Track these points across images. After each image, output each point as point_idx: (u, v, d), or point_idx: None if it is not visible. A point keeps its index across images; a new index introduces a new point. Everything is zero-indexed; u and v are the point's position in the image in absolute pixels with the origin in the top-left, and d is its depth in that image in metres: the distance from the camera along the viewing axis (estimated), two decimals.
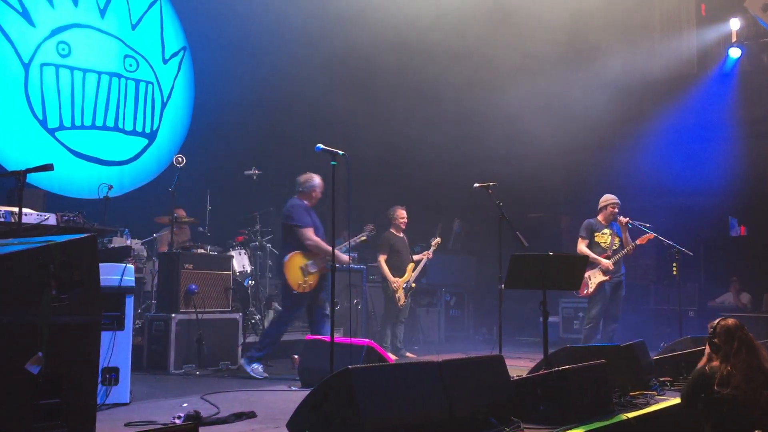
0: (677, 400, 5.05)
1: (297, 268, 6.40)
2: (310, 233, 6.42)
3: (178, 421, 3.98)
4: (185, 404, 4.62)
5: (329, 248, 5.97)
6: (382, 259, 8.36)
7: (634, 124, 10.95)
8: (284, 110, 10.30)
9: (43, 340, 2.75)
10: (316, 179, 6.69)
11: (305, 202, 6.62)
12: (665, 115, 10.97)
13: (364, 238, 7.31)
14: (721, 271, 11.27)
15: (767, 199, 11.69)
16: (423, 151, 10.53)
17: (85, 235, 2.95)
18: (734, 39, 10.88)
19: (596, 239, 7.92)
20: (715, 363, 3.99)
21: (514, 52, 10.28)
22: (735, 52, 10.88)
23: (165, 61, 10.24)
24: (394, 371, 3.66)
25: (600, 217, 8.03)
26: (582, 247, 7.86)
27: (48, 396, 2.76)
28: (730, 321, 4.08)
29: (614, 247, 7.93)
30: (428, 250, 8.65)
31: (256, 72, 10.13)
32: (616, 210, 7.98)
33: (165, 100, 10.18)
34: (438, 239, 8.77)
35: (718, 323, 4.08)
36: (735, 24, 10.78)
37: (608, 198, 8.08)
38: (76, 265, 2.87)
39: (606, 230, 7.97)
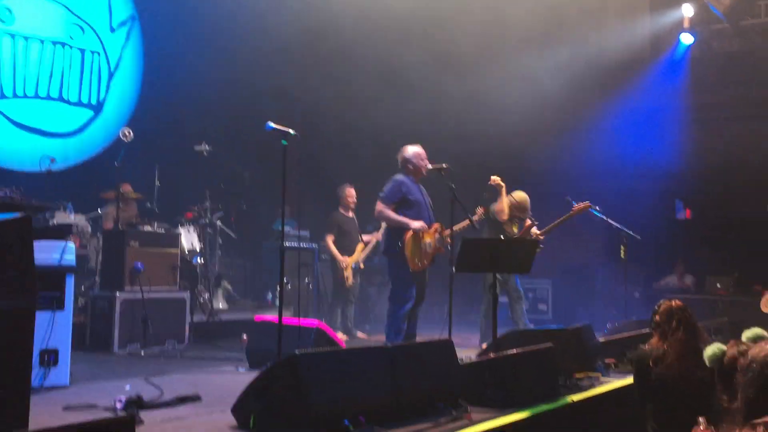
0: (621, 382, 5.16)
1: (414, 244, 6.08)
2: (379, 205, 6.17)
3: (119, 405, 3.89)
4: (128, 386, 4.50)
5: (402, 219, 5.97)
6: (329, 239, 8.29)
7: (586, 107, 11.05)
8: (237, 85, 10.05)
9: None
10: (408, 150, 6.35)
11: (407, 177, 6.28)
12: (616, 98, 11.09)
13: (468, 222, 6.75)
14: (666, 254, 11.53)
15: (712, 184, 11.98)
16: (379, 130, 10.44)
17: (18, 215, 2.80)
18: (686, 25, 11.04)
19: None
20: (654, 341, 4.07)
21: (473, 34, 10.25)
22: (687, 38, 11.04)
23: (112, 30, 9.89)
24: (342, 356, 3.63)
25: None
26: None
27: None
28: (674, 302, 4.15)
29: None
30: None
31: (208, 44, 9.85)
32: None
33: (112, 71, 9.84)
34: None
35: (662, 303, 4.16)
36: (687, 10, 10.92)
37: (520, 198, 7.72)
38: (7, 246, 2.74)
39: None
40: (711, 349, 3.64)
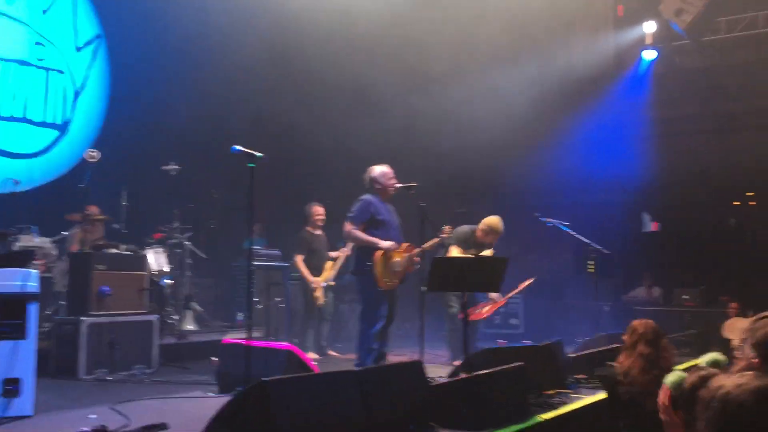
0: (592, 398, 5.19)
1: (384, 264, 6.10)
2: (347, 226, 6.20)
3: None
4: (93, 416, 4.41)
5: (371, 239, 5.97)
6: (299, 259, 8.24)
7: (555, 123, 11.19)
8: (206, 104, 9.99)
9: None
10: (375, 170, 6.39)
11: (374, 196, 6.30)
12: (584, 114, 11.25)
13: (438, 240, 6.74)
14: (635, 267, 11.68)
15: (678, 196, 12.19)
16: (350, 148, 10.44)
17: None
18: (649, 41, 11.26)
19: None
20: (621, 358, 4.11)
21: (443, 53, 10.34)
22: (649, 54, 11.26)
23: (78, 49, 9.79)
24: (311, 381, 3.59)
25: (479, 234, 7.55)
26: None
27: None
28: (643, 320, 4.20)
29: None
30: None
31: (176, 63, 9.79)
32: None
33: (78, 90, 9.73)
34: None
35: (632, 322, 4.21)
36: (650, 27, 11.15)
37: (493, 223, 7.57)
38: None
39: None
40: (673, 377, 3.67)
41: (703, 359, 3.31)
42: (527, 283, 7.42)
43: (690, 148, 11.66)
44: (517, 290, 7.55)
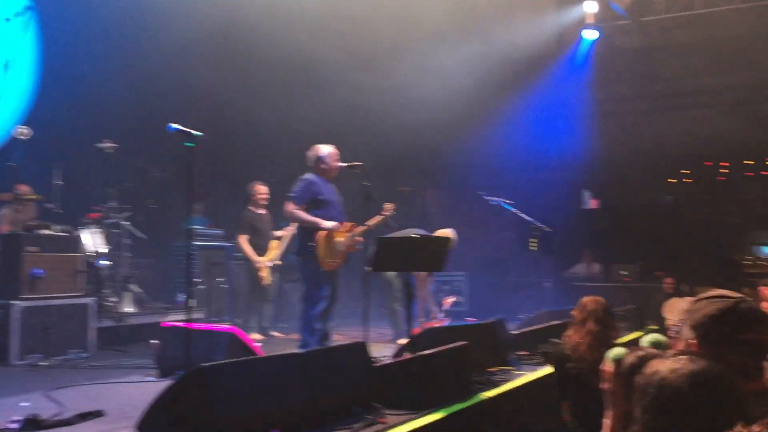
0: (535, 374, 5.27)
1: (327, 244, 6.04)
2: (289, 206, 6.09)
3: (14, 426, 3.66)
4: (25, 403, 4.25)
5: (313, 220, 5.92)
6: (242, 239, 8.10)
7: (498, 102, 11.24)
8: (143, 81, 9.64)
9: None
10: (322, 149, 6.30)
11: (317, 176, 6.23)
12: (526, 93, 11.34)
13: (380, 218, 6.62)
14: (575, 243, 11.91)
15: (617, 174, 12.46)
16: (293, 127, 10.29)
17: None
18: (590, 21, 11.38)
19: None
20: (569, 333, 4.15)
21: (385, 30, 10.22)
22: (590, 34, 11.38)
23: (7, 20, 9.32)
24: (252, 365, 3.52)
25: None
26: None
27: None
28: (593, 297, 4.25)
29: None
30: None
31: (112, 38, 9.40)
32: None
33: (6, 63, 9.28)
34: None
35: (582, 299, 4.25)
36: (591, 6, 11.26)
37: None
38: None
39: None
40: (614, 352, 3.73)
41: (645, 339, 3.37)
42: (451, 301, 7.39)
43: (629, 127, 11.91)
44: (444, 307, 7.51)
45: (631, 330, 7.16)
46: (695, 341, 2.02)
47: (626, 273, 10.70)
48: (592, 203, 13.28)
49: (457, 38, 10.81)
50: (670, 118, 11.69)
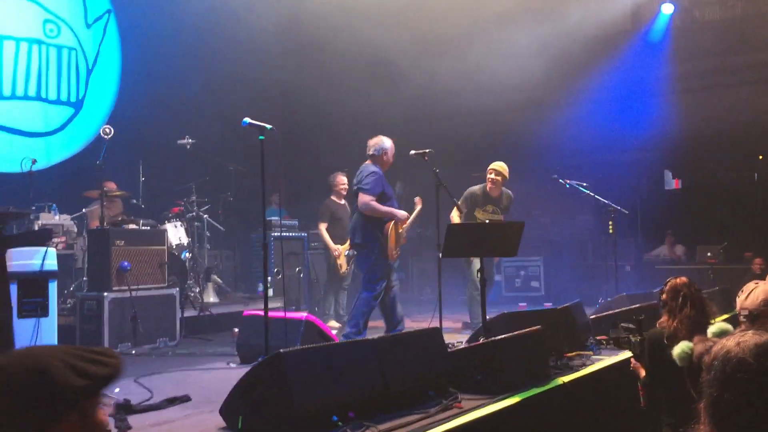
0: (613, 359, 5.17)
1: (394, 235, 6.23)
2: (365, 197, 6.22)
3: (107, 410, 3.86)
4: (117, 389, 4.47)
5: (389, 210, 6.13)
6: (322, 227, 8.24)
7: (572, 82, 10.99)
8: (219, 76, 9.94)
9: None
10: (387, 142, 6.45)
11: (377, 166, 6.38)
12: (601, 72, 11.03)
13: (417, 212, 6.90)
14: (657, 225, 11.56)
15: (700, 153, 11.98)
16: (367, 116, 10.36)
17: None
18: None
19: (475, 213, 7.32)
20: (664, 319, 4.04)
21: (454, 14, 10.16)
22: (667, 8, 10.97)
23: (88, 26, 9.74)
24: (328, 351, 3.59)
25: (487, 188, 7.38)
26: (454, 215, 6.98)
27: None
28: (680, 278, 4.13)
29: None
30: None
31: (187, 36, 9.71)
32: (495, 177, 7.36)
33: (90, 67, 9.71)
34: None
35: (668, 281, 4.14)
36: None
37: (492, 166, 7.40)
38: None
39: (489, 206, 7.36)
40: (680, 348, 3.62)
41: (711, 330, 3.26)
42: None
43: (710, 102, 11.41)
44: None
45: (717, 314, 6.91)
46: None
47: (711, 254, 10.31)
48: (674, 183, 12.83)
49: (528, 18, 10.62)
50: (754, 91, 11.14)
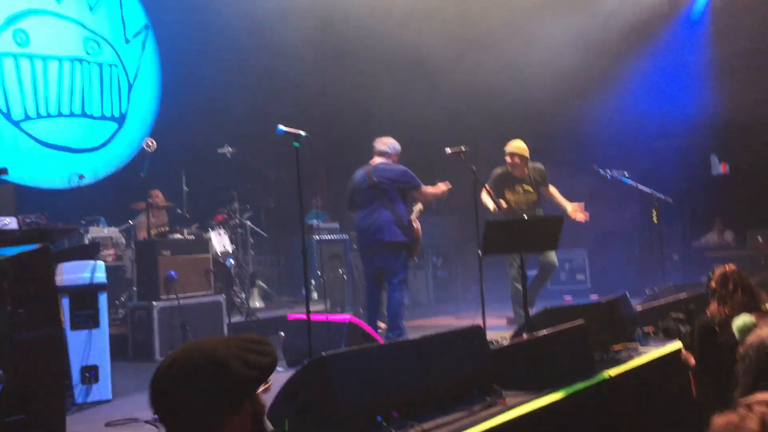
0: (661, 351, 5.09)
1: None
2: (428, 188, 6.45)
3: (156, 417, 3.96)
4: None
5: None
6: None
7: (610, 71, 10.82)
8: (255, 84, 10.09)
9: (2, 357, 2.69)
10: (396, 142, 6.61)
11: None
12: (641, 57, 10.84)
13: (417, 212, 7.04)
14: (705, 211, 11.30)
15: (746, 135, 11.66)
16: (404, 117, 10.38)
17: (38, 245, 2.86)
18: None
19: (504, 194, 7.09)
20: (713, 308, 3.98)
21: (491, 10, 10.13)
22: None
23: (128, 42, 10.00)
24: (370, 353, 3.63)
25: (509, 169, 7.17)
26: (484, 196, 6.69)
27: (13, 413, 2.71)
28: (727, 266, 4.07)
29: (523, 207, 7.09)
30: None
31: (222, 46, 9.89)
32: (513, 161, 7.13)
33: (131, 82, 9.96)
34: (420, 206, 8.39)
35: (715, 268, 4.08)
36: None
37: (508, 147, 7.17)
38: (30, 278, 2.80)
39: (517, 186, 7.16)
40: (741, 320, 3.54)
41: (734, 324, 3.19)
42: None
43: (754, 83, 11.10)
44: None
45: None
46: None
47: (762, 239, 10.03)
48: (721, 168, 12.52)
49: (564, 8, 10.49)
50: None
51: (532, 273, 7.09)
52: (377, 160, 6.45)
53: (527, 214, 6.91)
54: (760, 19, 10.73)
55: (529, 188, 7.17)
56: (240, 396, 1.58)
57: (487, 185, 6.73)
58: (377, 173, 6.32)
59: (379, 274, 6.39)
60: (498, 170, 7.21)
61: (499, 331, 6.64)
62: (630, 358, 4.83)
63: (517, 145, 7.14)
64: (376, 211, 6.28)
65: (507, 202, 6.98)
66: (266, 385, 3.61)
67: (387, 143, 6.50)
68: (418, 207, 6.87)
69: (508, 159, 7.09)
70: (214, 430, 1.57)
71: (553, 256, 7.06)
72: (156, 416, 1.65)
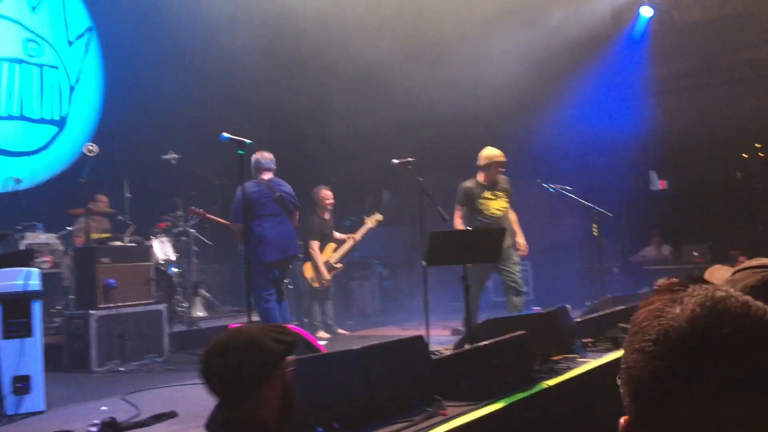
0: (599, 361, 5.20)
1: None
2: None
3: (93, 429, 3.86)
4: (104, 407, 4.47)
5: None
6: (315, 245, 8.19)
7: (553, 87, 11.06)
8: (201, 92, 9.95)
9: None
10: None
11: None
12: (582, 76, 11.11)
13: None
14: (643, 226, 11.61)
15: (683, 152, 12.07)
16: (343, 126, 10.38)
17: None
18: None
19: (478, 205, 7.14)
20: None
21: (440, 24, 10.23)
22: (646, 11, 11.08)
23: (70, 44, 9.76)
24: (313, 363, 3.61)
25: (480, 178, 7.24)
26: (457, 219, 6.93)
27: None
28: (670, 280, 4.15)
29: (498, 213, 7.18)
30: (363, 227, 8.43)
31: (169, 52, 9.73)
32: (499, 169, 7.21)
33: (72, 85, 9.72)
34: (379, 216, 8.42)
35: (659, 281, 4.16)
36: None
37: (492, 154, 7.24)
38: None
39: (487, 192, 7.21)
40: None
41: None
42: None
43: (693, 103, 11.51)
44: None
45: None
46: None
47: (697, 254, 10.38)
48: (660, 184, 12.91)
49: (511, 24, 10.68)
50: (736, 91, 11.25)
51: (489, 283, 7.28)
52: (269, 174, 6.57)
53: (502, 221, 6.99)
54: (698, 41, 11.14)
55: (501, 193, 7.26)
56: (272, 363, 2.18)
57: (457, 204, 6.78)
58: (277, 188, 6.48)
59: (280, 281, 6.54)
60: (466, 183, 7.23)
61: (444, 342, 6.69)
62: (569, 368, 4.92)
63: (499, 153, 7.22)
64: (282, 223, 6.46)
65: (482, 212, 7.01)
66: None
67: (272, 159, 6.63)
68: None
69: (493, 167, 7.12)
70: (255, 390, 2.17)
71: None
72: (207, 385, 2.23)
